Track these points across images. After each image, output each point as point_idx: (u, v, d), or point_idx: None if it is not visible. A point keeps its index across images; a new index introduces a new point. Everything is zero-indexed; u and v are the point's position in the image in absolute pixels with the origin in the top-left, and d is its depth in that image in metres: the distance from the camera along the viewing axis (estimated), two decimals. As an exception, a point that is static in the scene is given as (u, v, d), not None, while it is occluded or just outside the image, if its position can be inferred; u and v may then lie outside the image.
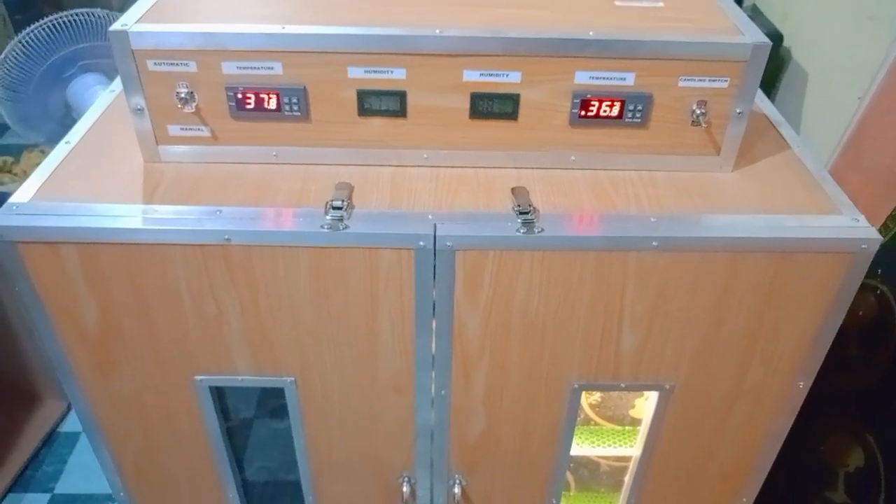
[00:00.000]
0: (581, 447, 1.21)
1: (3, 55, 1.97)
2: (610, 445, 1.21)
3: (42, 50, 2.01)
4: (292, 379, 1.01)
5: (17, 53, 1.99)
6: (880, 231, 0.96)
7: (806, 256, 0.89)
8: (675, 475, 1.16)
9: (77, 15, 1.98)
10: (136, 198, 0.90)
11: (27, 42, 1.99)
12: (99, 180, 0.93)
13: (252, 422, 1.23)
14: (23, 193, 0.90)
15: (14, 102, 2.10)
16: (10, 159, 2.49)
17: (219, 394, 1.06)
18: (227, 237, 0.86)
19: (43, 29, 1.97)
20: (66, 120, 2.14)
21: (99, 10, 1.96)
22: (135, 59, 0.89)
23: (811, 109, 1.81)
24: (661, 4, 0.99)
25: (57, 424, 1.92)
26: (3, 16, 3.32)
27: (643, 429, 1.11)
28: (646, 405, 1.11)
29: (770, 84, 1.94)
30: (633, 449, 1.18)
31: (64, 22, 1.97)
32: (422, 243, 0.86)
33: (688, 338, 0.97)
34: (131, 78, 0.90)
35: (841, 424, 1.39)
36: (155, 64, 0.89)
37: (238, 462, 1.18)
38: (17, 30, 3.53)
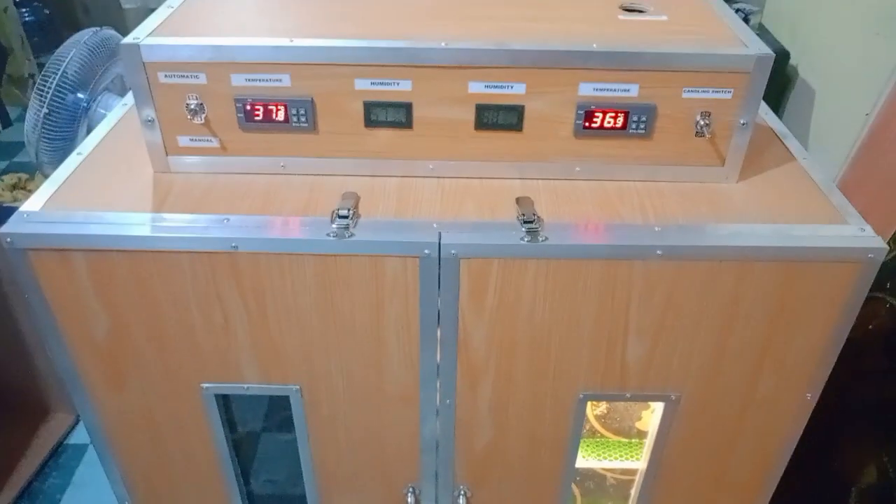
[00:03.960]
0: (587, 459, 1.20)
1: (41, 119, 1.92)
2: (616, 458, 1.20)
3: (73, 100, 1.96)
4: (298, 387, 1.01)
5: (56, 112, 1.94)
6: (890, 244, 0.96)
7: (813, 265, 0.89)
8: (681, 488, 1.14)
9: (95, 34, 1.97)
10: (146, 207, 0.92)
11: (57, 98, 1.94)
12: (109, 190, 0.95)
13: (259, 434, 1.23)
14: (34, 202, 0.91)
15: (55, 151, 2.08)
16: (24, 176, 2.54)
17: (226, 404, 1.06)
18: (234, 245, 0.87)
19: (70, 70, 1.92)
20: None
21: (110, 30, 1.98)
22: (146, 72, 0.90)
23: (818, 126, 1.81)
24: (665, 17, 1.00)
25: (65, 437, 1.93)
26: (22, 37, 3.39)
27: (649, 441, 1.10)
28: (652, 417, 1.10)
29: (777, 102, 1.95)
30: (638, 462, 1.17)
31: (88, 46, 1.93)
32: (427, 251, 0.87)
33: (695, 348, 0.96)
34: (142, 90, 0.92)
35: (855, 440, 1.37)
36: (165, 76, 0.91)
37: (244, 474, 1.18)
38: (35, 51, 3.60)
